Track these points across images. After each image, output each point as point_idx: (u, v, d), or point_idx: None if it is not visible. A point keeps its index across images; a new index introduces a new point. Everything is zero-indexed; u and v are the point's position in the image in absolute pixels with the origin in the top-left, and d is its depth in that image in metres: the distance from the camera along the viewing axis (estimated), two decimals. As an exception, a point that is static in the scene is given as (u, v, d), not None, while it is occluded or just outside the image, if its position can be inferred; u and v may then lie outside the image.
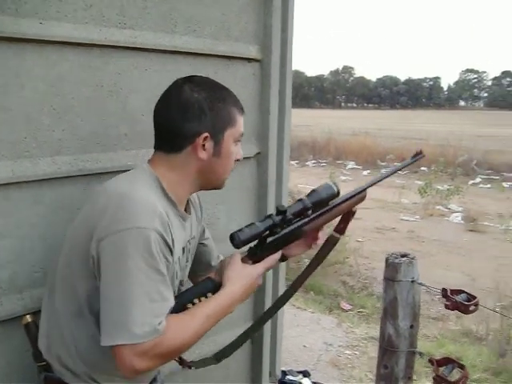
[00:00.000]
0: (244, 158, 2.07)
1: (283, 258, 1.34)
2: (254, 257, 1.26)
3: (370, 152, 16.46)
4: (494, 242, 8.53)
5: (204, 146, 1.16)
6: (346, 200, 1.33)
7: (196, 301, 1.19)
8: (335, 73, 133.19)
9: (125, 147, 1.62)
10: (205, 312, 1.12)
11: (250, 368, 2.38)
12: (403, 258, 1.69)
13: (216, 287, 1.22)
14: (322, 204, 1.31)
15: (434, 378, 1.63)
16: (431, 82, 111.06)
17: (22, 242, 1.41)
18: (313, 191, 1.30)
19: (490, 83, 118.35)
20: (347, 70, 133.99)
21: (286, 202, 2.36)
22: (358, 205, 1.36)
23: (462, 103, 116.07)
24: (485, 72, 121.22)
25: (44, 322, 1.20)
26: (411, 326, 1.72)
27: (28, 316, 1.27)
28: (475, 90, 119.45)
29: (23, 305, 1.42)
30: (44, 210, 1.45)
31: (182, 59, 1.77)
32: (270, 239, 1.25)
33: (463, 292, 1.57)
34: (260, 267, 1.24)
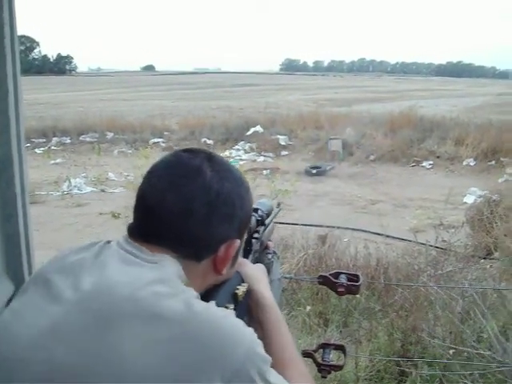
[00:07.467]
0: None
1: None
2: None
3: None
4: (58, 210, 8.68)
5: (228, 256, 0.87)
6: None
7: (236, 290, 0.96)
8: None
9: None
10: (286, 339, 0.95)
11: None
12: (270, 255, 1.45)
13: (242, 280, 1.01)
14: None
15: (319, 371, 1.52)
16: None
17: None
18: (260, 202, 1.25)
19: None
20: None
21: (31, 221, 1.60)
22: None
23: None
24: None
25: None
26: (280, 325, 1.54)
27: None
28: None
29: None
30: None
31: None
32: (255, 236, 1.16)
33: (340, 273, 1.47)
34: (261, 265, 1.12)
